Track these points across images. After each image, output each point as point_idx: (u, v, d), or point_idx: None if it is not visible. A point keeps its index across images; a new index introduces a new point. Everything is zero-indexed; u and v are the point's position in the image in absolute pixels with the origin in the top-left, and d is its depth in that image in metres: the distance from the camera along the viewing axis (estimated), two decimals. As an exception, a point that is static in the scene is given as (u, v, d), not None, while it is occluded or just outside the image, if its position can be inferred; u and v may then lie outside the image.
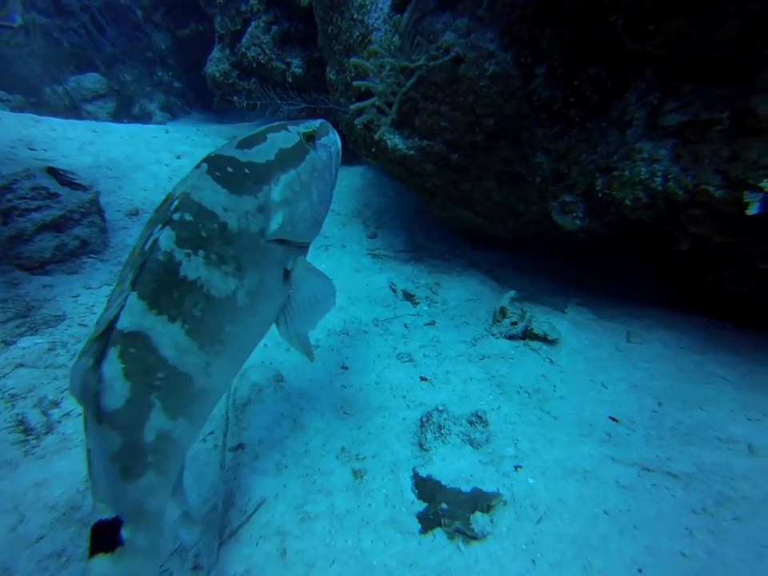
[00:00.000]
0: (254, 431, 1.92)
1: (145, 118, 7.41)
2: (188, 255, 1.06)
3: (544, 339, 2.26)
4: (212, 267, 1.09)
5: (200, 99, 7.84)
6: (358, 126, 2.91)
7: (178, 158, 4.81)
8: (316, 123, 1.50)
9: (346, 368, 2.29)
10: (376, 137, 2.85)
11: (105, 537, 0.96)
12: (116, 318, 0.98)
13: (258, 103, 4.31)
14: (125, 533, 0.98)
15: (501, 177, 2.63)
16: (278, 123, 1.44)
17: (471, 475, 1.60)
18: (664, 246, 2.45)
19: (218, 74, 5.43)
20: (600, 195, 2.27)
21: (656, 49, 1.93)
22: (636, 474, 1.56)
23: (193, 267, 1.07)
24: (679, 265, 3.05)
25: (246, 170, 1.21)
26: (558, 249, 3.44)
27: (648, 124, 2.05)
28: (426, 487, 1.61)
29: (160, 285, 1.03)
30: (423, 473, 1.65)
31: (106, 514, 0.97)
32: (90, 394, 0.95)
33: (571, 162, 2.38)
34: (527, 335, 2.29)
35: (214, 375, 1.14)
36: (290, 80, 4.90)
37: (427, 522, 1.48)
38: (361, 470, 1.72)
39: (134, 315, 0.99)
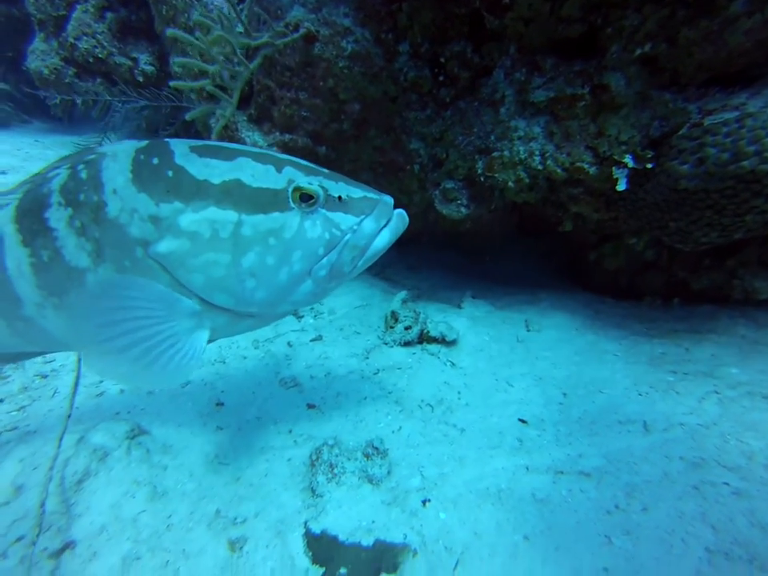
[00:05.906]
0: (94, 515, 1.45)
1: (-45, 126, 6.02)
2: (60, 204, 1.07)
3: (442, 341, 2.06)
4: (71, 231, 1.07)
5: (43, 106, 6.59)
6: (201, 125, 2.51)
7: (4, 173, 3.94)
8: (359, 193, 1.11)
9: (222, 404, 1.91)
10: (236, 135, 2.46)
11: None
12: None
13: (80, 100, 3.57)
14: None
15: (376, 168, 2.40)
16: (289, 158, 1.12)
17: (373, 522, 1.32)
18: (551, 227, 2.43)
19: (46, 71, 4.55)
20: (482, 179, 2.15)
21: (514, 23, 1.84)
22: (551, 481, 1.40)
23: (56, 217, 1.07)
24: (565, 245, 3.11)
25: (169, 173, 1.05)
26: (448, 239, 3.34)
27: (519, 101, 1.95)
28: (321, 546, 1.30)
29: (29, 211, 1.09)
30: (316, 528, 1.34)
31: None
32: None
33: (448, 146, 2.22)
34: (424, 339, 2.08)
35: (50, 320, 1.15)
36: (140, 79, 4.26)
37: (324, 596, 1.18)
38: (239, 539, 1.36)
39: (4, 217, 1.10)
